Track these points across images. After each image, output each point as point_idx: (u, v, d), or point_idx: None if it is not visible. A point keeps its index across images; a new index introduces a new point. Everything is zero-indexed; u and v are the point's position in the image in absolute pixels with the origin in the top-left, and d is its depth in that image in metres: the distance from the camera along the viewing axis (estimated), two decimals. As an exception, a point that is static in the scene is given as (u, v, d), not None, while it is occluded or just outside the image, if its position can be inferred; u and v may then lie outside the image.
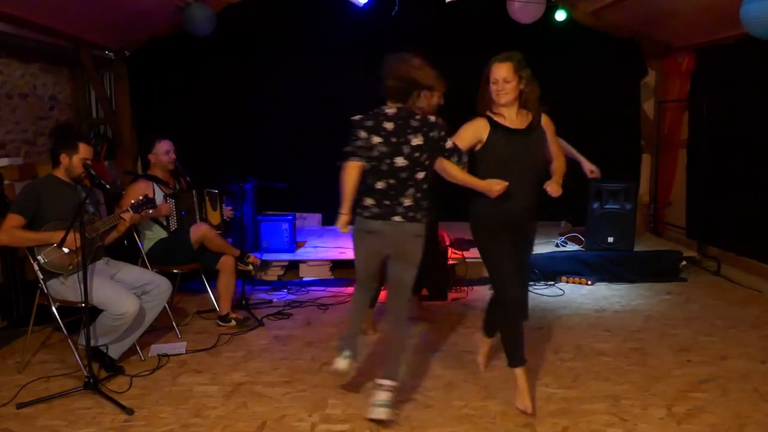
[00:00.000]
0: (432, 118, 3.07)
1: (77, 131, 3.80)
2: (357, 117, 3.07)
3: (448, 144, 3.06)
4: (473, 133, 3.18)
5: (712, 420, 3.13)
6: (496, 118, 3.17)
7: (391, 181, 3.02)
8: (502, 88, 3.10)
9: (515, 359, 3.24)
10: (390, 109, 3.04)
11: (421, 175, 3.05)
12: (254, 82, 6.44)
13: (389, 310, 3.25)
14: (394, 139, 2.99)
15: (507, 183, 3.05)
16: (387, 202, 3.04)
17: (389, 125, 3.01)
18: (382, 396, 3.09)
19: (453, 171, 3.10)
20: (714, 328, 4.44)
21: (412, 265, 3.13)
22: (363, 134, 3.01)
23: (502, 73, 3.08)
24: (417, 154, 3.00)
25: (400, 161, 2.99)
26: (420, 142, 2.99)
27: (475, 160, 3.21)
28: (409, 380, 3.59)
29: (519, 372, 3.25)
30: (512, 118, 3.18)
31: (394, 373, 3.14)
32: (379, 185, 3.04)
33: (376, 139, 3.00)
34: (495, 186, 3.04)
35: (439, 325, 4.57)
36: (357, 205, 3.10)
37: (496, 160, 3.15)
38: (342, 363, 3.29)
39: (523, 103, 3.18)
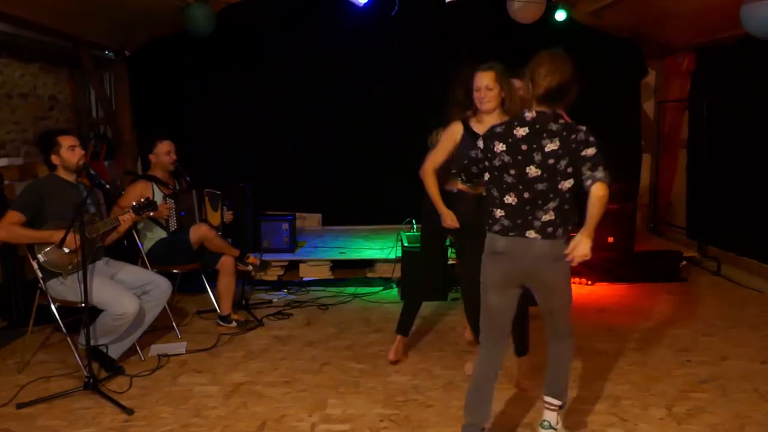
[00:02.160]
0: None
1: (53, 131, 3.90)
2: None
3: (588, 152, 2.56)
4: (451, 137, 3.33)
5: (712, 420, 3.13)
6: (472, 124, 3.30)
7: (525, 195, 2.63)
8: (484, 95, 3.21)
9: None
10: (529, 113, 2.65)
11: (564, 185, 2.60)
12: (254, 82, 6.43)
13: (550, 327, 2.83)
14: (524, 147, 2.61)
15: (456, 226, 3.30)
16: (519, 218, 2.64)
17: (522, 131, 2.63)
18: (549, 415, 2.82)
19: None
20: (714, 328, 4.44)
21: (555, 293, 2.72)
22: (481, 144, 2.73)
23: (484, 80, 3.21)
24: (552, 161, 2.58)
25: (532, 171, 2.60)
26: (555, 147, 2.57)
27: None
28: (409, 380, 3.60)
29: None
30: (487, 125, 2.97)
31: (562, 393, 2.83)
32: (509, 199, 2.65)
33: (500, 147, 2.65)
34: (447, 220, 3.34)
35: (439, 325, 4.57)
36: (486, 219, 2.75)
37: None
38: None
39: (506, 112, 3.24)
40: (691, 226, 6.35)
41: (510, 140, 2.63)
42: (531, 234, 2.61)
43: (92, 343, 3.46)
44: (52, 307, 3.59)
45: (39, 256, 3.52)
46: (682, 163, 6.53)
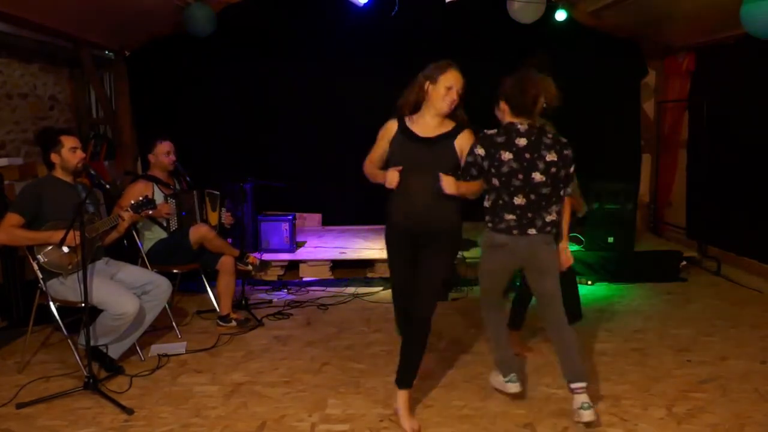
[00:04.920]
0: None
1: (55, 129, 3.90)
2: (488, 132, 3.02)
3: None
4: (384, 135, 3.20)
5: (712, 420, 3.13)
6: (408, 123, 3.11)
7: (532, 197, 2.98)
8: (456, 97, 3.03)
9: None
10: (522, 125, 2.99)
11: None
12: (254, 82, 6.44)
13: (547, 319, 3.18)
14: (527, 155, 2.95)
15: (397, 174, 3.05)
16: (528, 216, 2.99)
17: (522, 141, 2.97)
18: (581, 398, 3.01)
19: None
20: (714, 328, 4.44)
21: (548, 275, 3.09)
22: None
23: (460, 82, 3.03)
24: (553, 170, 2.96)
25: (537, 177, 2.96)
26: (554, 159, 2.96)
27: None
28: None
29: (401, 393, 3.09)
30: (428, 125, 3.09)
31: (583, 374, 3.07)
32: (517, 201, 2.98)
33: (507, 155, 2.96)
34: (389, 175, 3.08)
35: (440, 325, 4.57)
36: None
37: (395, 164, 3.11)
38: (514, 387, 3.24)
39: (452, 113, 3.09)
40: (691, 226, 6.35)
41: (514, 149, 2.96)
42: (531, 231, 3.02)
43: (92, 343, 3.46)
44: (52, 307, 3.59)
45: (39, 256, 3.52)
46: (682, 163, 6.53)
